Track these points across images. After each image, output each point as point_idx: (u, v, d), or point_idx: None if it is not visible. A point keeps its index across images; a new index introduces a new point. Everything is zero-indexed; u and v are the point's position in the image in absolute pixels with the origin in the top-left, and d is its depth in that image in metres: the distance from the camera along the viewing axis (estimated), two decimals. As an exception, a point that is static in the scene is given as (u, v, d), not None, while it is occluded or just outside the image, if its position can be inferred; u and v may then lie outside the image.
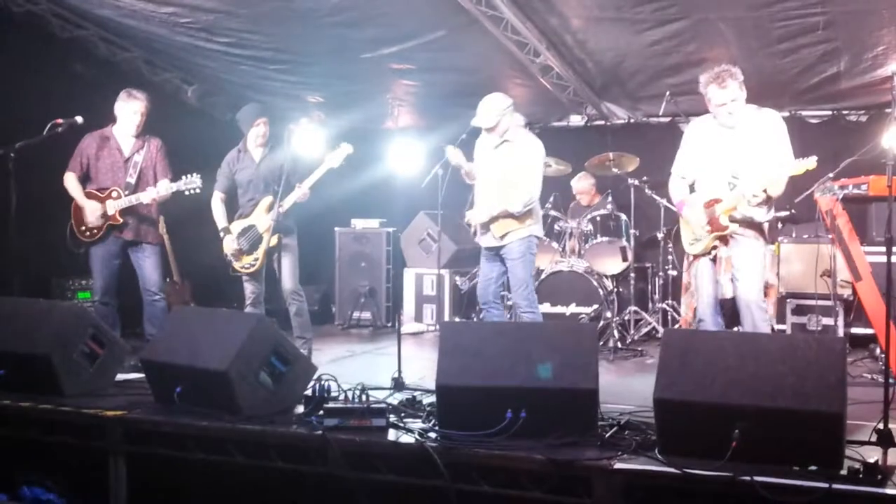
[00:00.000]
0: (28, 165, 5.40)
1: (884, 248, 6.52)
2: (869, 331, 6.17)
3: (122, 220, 5.67)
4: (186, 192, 5.74)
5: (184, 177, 5.73)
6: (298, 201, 5.75)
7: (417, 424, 3.75)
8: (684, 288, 5.08)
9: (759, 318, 4.62)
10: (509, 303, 6.36)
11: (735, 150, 4.64)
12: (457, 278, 8.40)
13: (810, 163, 4.47)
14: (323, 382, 4.01)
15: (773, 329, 5.12)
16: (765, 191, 4.54)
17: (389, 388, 4.65)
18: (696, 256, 4.87)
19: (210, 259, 8.18)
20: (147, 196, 5.67)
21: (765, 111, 4.70)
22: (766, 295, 4.89)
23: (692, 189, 4.93)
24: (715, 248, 4.73)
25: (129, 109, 5.76)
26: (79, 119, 5.61)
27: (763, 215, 4.66)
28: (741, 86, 4.59)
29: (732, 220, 4.63)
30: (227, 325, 4.13)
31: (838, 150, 6.26)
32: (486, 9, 6.26)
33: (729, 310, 4.91)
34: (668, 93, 7.18)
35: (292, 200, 5.73)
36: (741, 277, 4.63)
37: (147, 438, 4.00)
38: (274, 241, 5.74)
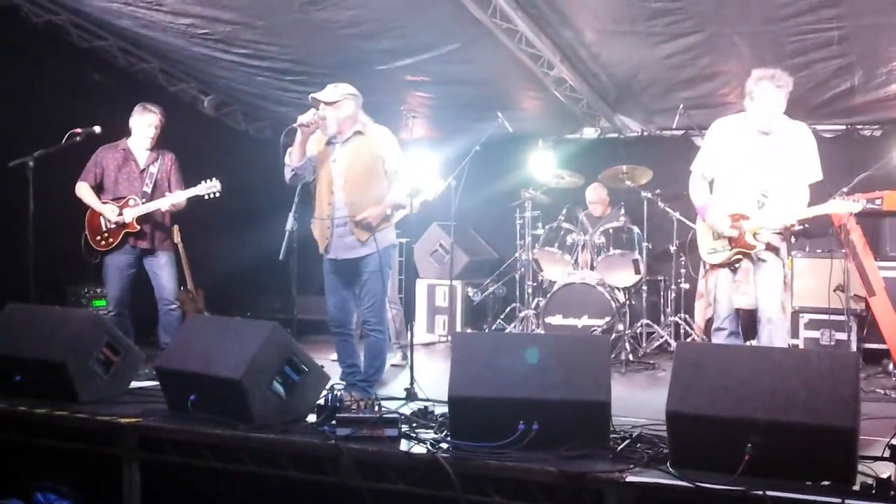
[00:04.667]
0: (46, 174, 5.47)
1: (898, 264, 6.49)
2: (882, 346, 6.14)
3: (138, 228, 5.71)
4: (206, 197, 5.80)
5: (203, 181, 5.78)
6: None
7: (429, 435, 3.74)
8: (699, 295, 5.04)
9: (777, 335, 4.60)
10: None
11: (766, 160, 4.60)
12: (469, 289, 8.42)
13: (855, 207, 4.52)
14: (335, 392, 4.03)
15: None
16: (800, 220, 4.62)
17: (402, 399, 4.67)
18: (713, 266, 4.85)
19: (224, 268, 8.27)
20: (167, 202, 5.72)
21: (797, 124, 4.67)
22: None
23: (711, 188, 4.90)
24: (738, 260, 4.71)
25: (144, 122, 5.81)
26: (97, 129, 5.69)
27: (776, 234, 4.67)
28: (787, 96, 4.57)
29: (758, 238, 4.61)
30: (240, 333, 4.15)
31: (852, 165, 6.25)
32: (501, 21, 6.29)
33: (745, 322, 4.90)
34: (681, 106, 7.20)
35: None
36: (763, 293, 4.61)
37: (160, 446, 4.01)
38: None
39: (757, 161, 4.63)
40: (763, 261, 4.65)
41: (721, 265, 4.77)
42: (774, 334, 4.60)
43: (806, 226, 6.74)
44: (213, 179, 5.78)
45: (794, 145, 4.60)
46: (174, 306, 5.83)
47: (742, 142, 4.68)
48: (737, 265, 4.71)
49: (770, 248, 4.64)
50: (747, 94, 4.61)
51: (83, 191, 5.78)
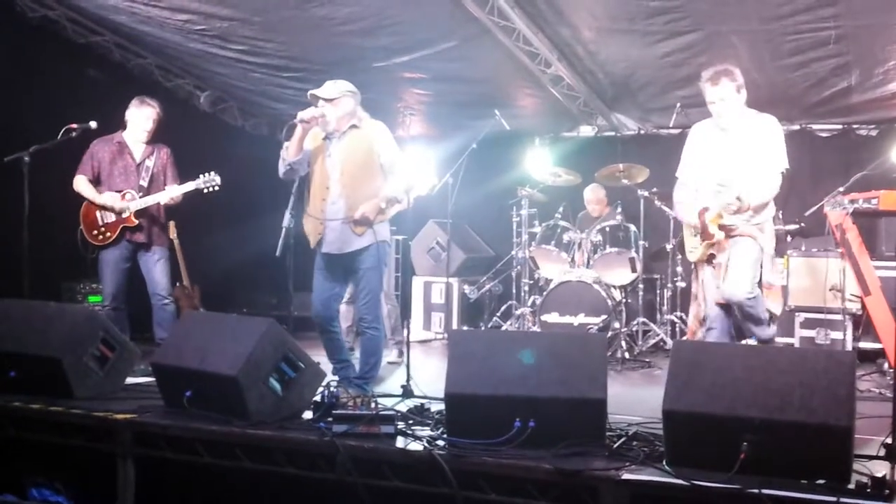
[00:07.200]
0: (42, 169, 5.45)
1: (893, 263, 6.54)
2: (877, 345, 6.16)
3: (136, 223, 5.70)
4: (206, 190, 5.78)
5: (202, 175, 5.77)
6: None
7: (426, 432, 3.75)
8: (692, 297, 5.09)
9: (748, 310, 4.59)
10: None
11: (725, 154, 4.68)
12: (465, 287, 8.42)
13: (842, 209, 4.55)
14: (332, 389, 4.02)
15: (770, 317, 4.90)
16: (738, 199, 4.53)
17: (398, 396, 4.67)
18: (695, 264, 4.93)
19: (220, 264, 8.26)
20: (166, 195, 5.72)
21: (763, 116, 4.71)
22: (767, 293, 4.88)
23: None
24: (712, 255, 4.75)
25: (143, 115, 5.80)
26: (93, 124, 5.67)
27: (744, 223, 4.65)
28: (738, 88, 4.59)
29: (721, 227, 4.63)
30: (237, 330, 4.14)
31: (848, 165, 6.27)
32: (498, 19, 6.29)
33: (737, 321, 4.91)
34: (678, 104, 7.21)
35: None
36: (727, 277, 4.63)
37: (156, 442, 4.00)
38: None
39: (716, 155, 4.71)
40: (735, 244, 4.66)
41: (700, 261, 4.84)
42: (746, 311, 4.58)
43: (802, 225, 6.78)
44: (212, 173, 5.77)
45: (756, 136, 4.64)
46: (167, 301, 5.82)
47: (706, 141, 4.78)
48: (713, 260, 4.75)
49: (743, 235, 4.65)
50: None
51: (81, 184, 5.76)
